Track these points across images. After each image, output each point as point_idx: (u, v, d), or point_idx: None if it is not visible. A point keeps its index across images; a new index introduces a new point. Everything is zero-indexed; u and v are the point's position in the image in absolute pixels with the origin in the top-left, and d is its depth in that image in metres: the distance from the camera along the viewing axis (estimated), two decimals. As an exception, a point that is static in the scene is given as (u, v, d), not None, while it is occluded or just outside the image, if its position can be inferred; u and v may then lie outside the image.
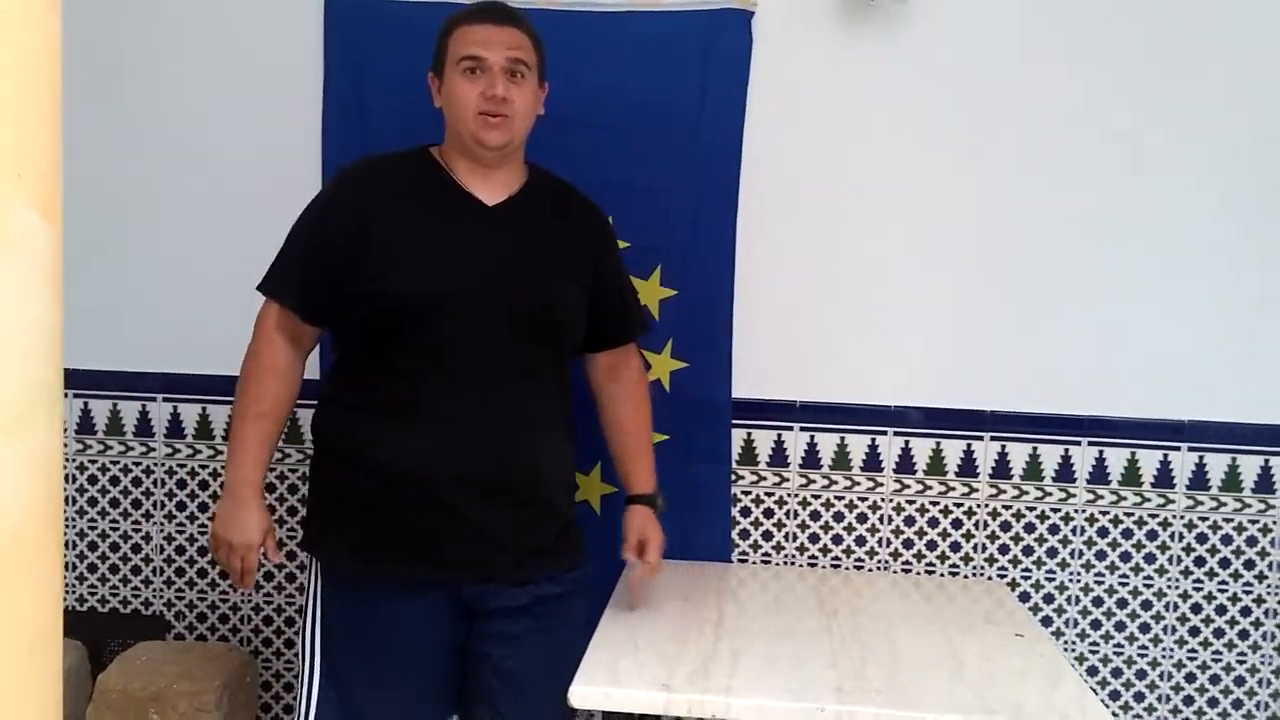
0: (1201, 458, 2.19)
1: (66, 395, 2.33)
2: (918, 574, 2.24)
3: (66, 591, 2.37)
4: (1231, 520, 2.19)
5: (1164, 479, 2.19)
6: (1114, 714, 2.22)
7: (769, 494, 2.25)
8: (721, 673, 1.63)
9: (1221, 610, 2.21)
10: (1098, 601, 2.23)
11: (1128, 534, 2.21)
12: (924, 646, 1.79)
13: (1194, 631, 2.22)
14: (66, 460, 2.35)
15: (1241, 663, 2.22)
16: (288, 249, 1.77)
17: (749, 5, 2.15)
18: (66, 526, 2.36)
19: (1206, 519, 2.20)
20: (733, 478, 2.24)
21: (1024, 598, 2.23)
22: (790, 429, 2.24)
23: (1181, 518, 2.20)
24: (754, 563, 2.26)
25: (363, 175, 1.80)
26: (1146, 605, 2.22)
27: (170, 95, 2.28)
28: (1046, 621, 2.23)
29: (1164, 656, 2.22)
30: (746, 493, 2.25)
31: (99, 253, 2.30)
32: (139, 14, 2.27)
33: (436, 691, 1.82)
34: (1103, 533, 2.21)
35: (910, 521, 2.24)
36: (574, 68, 2.15)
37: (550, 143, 2.09)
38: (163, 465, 2.34)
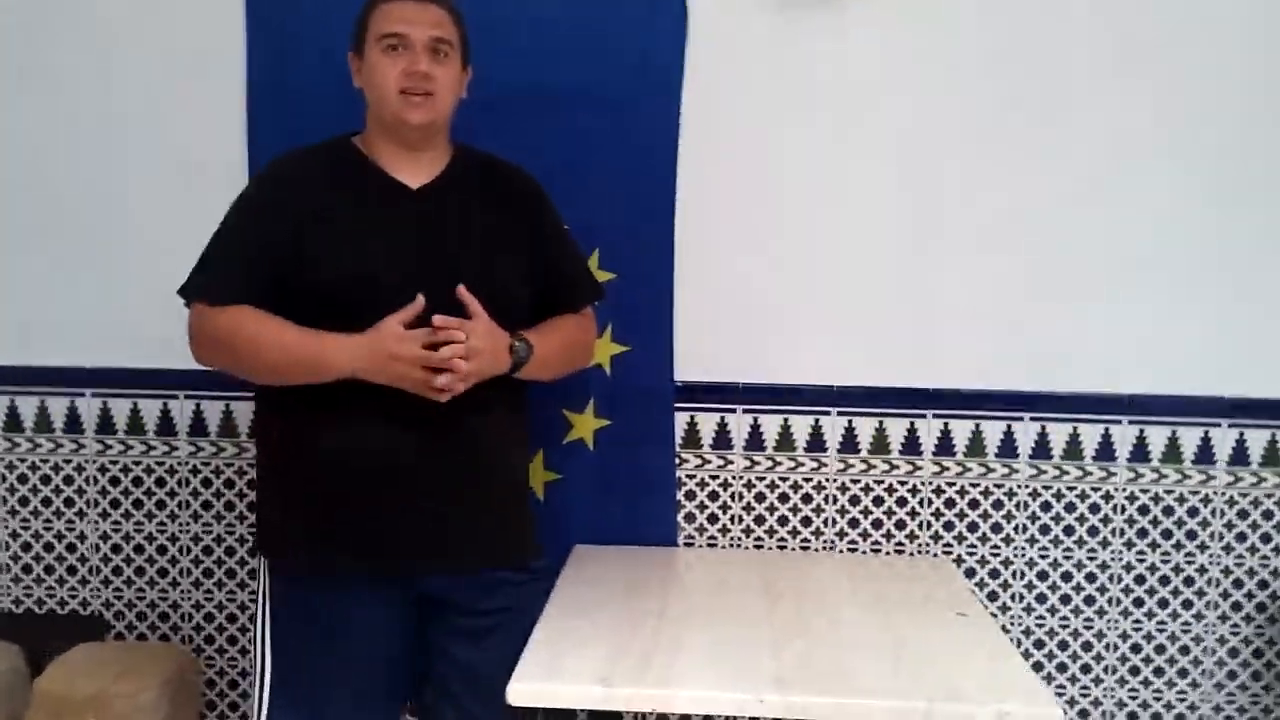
0: (1142, 431, 2.19)
1: (-8, 393, 2.27)
2: (863, 553, 2.23)
3: (2, 594, 2.32)
4: (1173, 492, 2.20)
5: (1105, 452, 2.20)
6: (1060, 686, 2.24)
7: (714, 477, 2.23)
8: (661, 665, 1.60)
9: (1165, 581, 2.22)
10: (1043, 575, 2.23)
11: (1070, 508, 2.21)
12: (866, 628, 1.78)
13: (1138, 603, 2.23)
14: (-5, 460, 2.29)
15: (1186, 631, 2.23)
16: (213, 254, 1.71)
17: (683, -19, 2.11)
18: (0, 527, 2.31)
19: (1148, 491, 2.20)
20: (677, 461, 2.22)
21: (970, 574, 2.23)
22: (733, 411, 2.22)
23: (1123, 490, 2.21)
24: (700, 546, 2.24)
25: (285, 173, 1.76)
26: (1091, 578, 2.23)
27: (89, 84, 2.21)
28: (992, 596, 2.24)
29: (1109, 628, 2.24)
30: (691, 476, 2.23)
31: (22, 246, 2.24)
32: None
33: (391, 685, 1.81)
34: (1046, 507, 2.22)
35: (855, 501, 2.23)
36: (509, 48, 2.12)
37: (485, 124, 2.05)
38: (94, 462, 2.28)
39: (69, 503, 2.29)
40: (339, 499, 1.68)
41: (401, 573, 1.72)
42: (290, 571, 1.74)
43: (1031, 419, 2.20)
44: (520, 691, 1.54)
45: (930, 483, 2.22)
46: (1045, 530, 2.22)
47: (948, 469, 2.21)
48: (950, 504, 2.22)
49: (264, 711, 1.73)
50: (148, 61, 2.20)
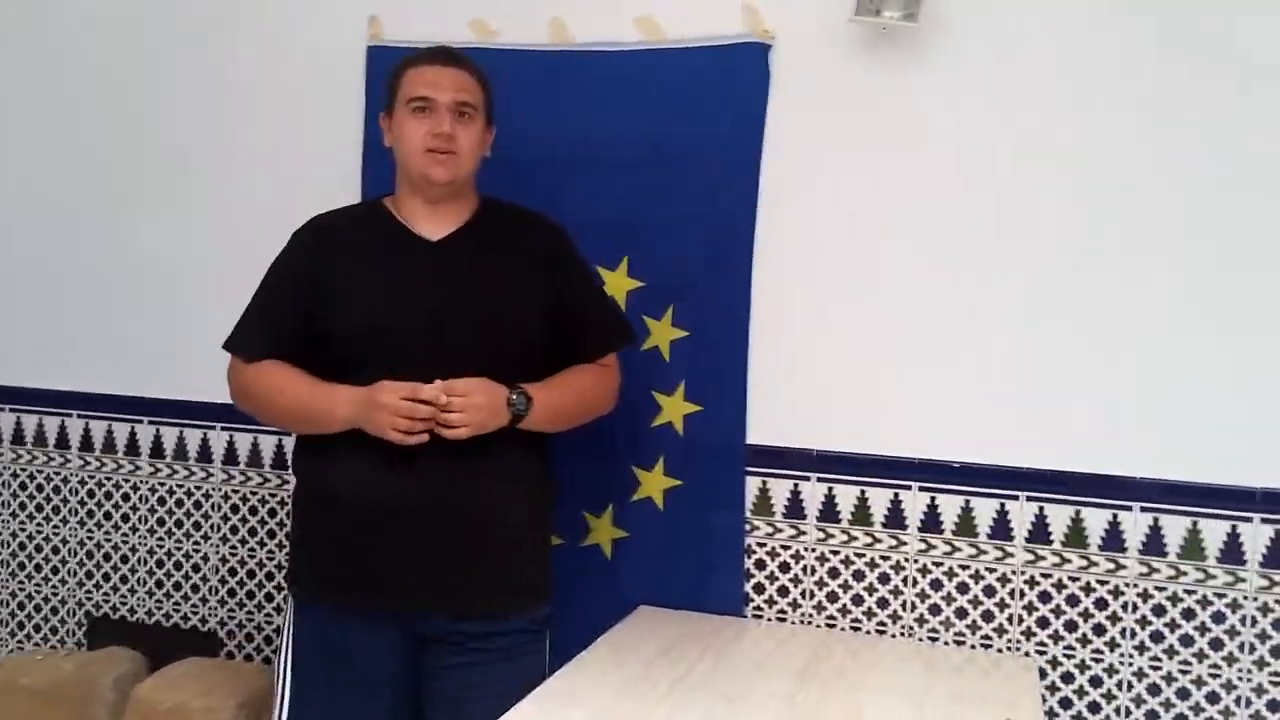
0: (1278, 531, 1.90)
1: (141, 422, 2.52)
2: (946, 643, 2.05)
3: (136, 605, 2.55)
4: (1318, 606, 1.90)
5: (1233, 554, 1.92)
6: (1173, 821, 1.96)
7: (785, 547, 2.13)
8: (642, 733, 1.54)
9: (1307, 711, 1.91)
10: (1154, 689, 1.97)
11: (1189, 614, 1.95)
12: (887, 721, 1.64)
13: (1273, 733, 1.92)
14: (140, 483, 2.53)
15: (1337, 775, 1.90)
16: (249, 311, 1.89)
17: (765, 38, 2.08)
18: (139, 545, 2.54)
19: (1286, 603, 1.91)
20: (747, 527, 2.14)
21: (1067, 679, 2.00)
22: (807, 479, 2.11)
23: (1255, 599, 1.92)
24: (769, 619, 2.14)
25: (313, 233, 1.90)
26: (1213, 698, 1.94)
27: (220, 139, 2.44)
28: (1094, 708, 1.99)
29: (1237, 759, 1.94)
30: (762, 544, 2.14)
31: (172, 291, 2.50)
32: (189, 61, 2.46)
33: (392, 710, 1.85)
34: (1159, 611, 1.96)
35: (937, 585, 2.06)
36: (588, 107, 2.17)
37: (563, 182, 2.13)
38: (219, 490, 2.48)
39: (196, 526, 2.50)
40: (334, 535, 1.79)
41: (389, 609, 1.78)
42: (304, 601, 1.85)
43: (1142, 509, 1.96)
44: (489, 743, 1.52)
45: (1022, 572, 2.02)
46: (1158, 638, 1.96)
47: (1043, 558, 2.01)
48: (1045, 598, 2.01)
49: None
50: (275, 120, 2.40)
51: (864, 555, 2.09)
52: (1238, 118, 1.90)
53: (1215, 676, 1.94)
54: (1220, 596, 1.93)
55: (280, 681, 1.83)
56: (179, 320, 2.48)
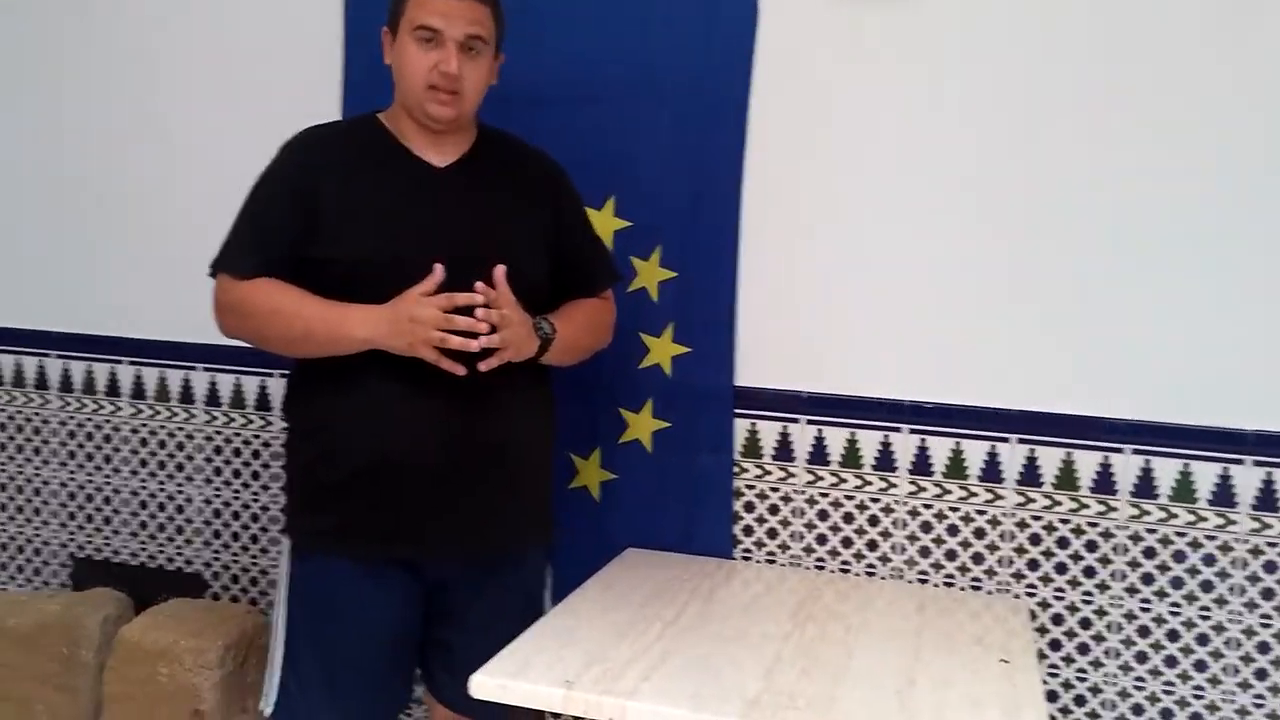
0: (1270, 474, 1.88)
1: (122, 363, 2.48)
2: (936, 585, 2.04)
3: (120, 547, 2.53)
4: (1309, 549, 1.89)
5: (1224, 497, 1.91)
6: (1157, 760, 1.97)
7: (774, 489, 2.11)
8: (636, 675, 1.52)
9: (1295, 652, 1.91)
10: (1144, 631, 1.96)
11: (1179, 556, 1.94)
12: (883, 663, 1.62)
13: (1261, 674, 1.92)
14: (122, 424, 2.50)
15: (1322, 715, 1.91)
16: (238, 227, 1.75)
17: (755, -32, 2.02)
18: (121, 486, 2.51)
19: (1276, 544, 1.89)
20: (736, 470, 2.12)
21: (1057, 620, 1.99)
22: (796, 421, 2.09)
23: (1245, 542, 1.91)
24: (758, 561, 2.13)
25: (308, 146, 1.78)
26: (1202, 639, 1.94)
27: (192, 67, 2.38)
28: (1083, 649, 1.99)
29: (1224, 700, 1.94)
30: (751, 486, 2.12)
31: (145, 229, 2.45)
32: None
33: (398, 661, 1.82)
34: (1149, 553, 1.95)
35: (927, 527, 2.04)
36: (570, 40, 2.10)
37: (546, 118, 2.06)
38: (202, 431, 2.45)
39: (179, 467, 2.47)
40: (353, 483, 1.70)
41: (400, 554, 1.73)
42: (305, 550, 1.78)
43: (1134, 452, 1.94)
44: (481, 684, 1.50)
45: (1013, 514, 2.00)
46: (1148, 580, 1.95)
47: (1033, 500, 1.99)
48: (1035, 540, 1.99)
49: (275, 688, 1.79)
50: (248, 52, 2.34)
51: (854, 498, 2.08)
52: (1225, 56, 1.85)
53: (1205, 619, 1.94)
54: (1211, 539, 1.92)
55: (276, 634, 1.79)
56: (161, 256, 2.43)
